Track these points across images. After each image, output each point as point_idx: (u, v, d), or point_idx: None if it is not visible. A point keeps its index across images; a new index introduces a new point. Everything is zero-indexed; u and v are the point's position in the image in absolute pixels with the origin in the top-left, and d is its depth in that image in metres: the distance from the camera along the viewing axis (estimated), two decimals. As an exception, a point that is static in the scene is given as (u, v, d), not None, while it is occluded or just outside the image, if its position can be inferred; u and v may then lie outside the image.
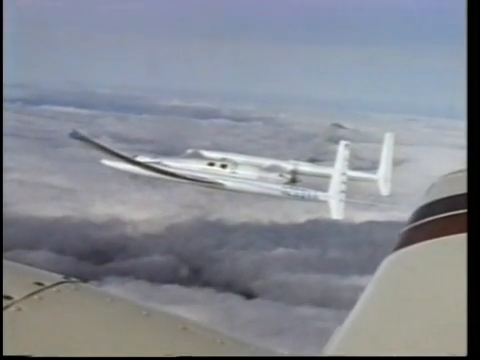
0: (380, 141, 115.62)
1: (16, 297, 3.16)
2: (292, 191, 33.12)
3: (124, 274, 43.95)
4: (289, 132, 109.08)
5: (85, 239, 50.66)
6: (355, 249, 49.86)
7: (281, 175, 33.85)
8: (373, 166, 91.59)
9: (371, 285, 5.18)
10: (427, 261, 5.45)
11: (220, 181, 33.40)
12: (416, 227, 6.26)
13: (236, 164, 34.08)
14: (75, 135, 34.16)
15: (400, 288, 5.02)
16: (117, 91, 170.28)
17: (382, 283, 5.26)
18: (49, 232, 50.82)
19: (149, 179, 65.54)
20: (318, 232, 54.39)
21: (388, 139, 35.11)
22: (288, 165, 34.98)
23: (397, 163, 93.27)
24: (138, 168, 34.64)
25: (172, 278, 44.82)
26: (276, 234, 54.43)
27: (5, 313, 3.03)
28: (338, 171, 32.45)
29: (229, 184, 33.53)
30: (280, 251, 50.06)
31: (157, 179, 64.78)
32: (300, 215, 59.07)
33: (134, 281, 42.73)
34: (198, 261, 48.84)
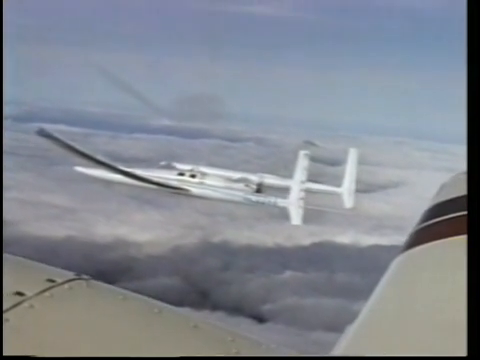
0: (374, 163, 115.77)
1: (28, 293, 3.17)
2: (253, 197, 34.68)
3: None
4: (282, 153, 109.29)
5: (90, 259, 50.10)
6: (363, 273, 49.58)
7: (247, 185, 35.15)
8: (369, 188, 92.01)
9: (381, 286, 5.20)
10: (436, 261, 5.44)
11: (186, 187, 34.80)
12: (425, 227, 6.27)
13: (205, 174, 35.31)
14: (42, 133, 34.61)
15: (409, 288, 5.00)
16: (106, 110, 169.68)
17: (391, 283, 5.27)
18: (53, 252, 50.23)
19: (149, 199, 65.47)
20: (324, 255, 54.22)
21: (352, 154, 36.47)
22: (255, 178, 35.84)
23: (393, 186, 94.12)
24: (110, 174, 35.28)
25: (181, 300, 44.29)
26: (282, 257, 54.17)
27: (17, 310, 3.05)
28: (297, 179, 33.82)
29: (195, 190, 34.94)
30: (288, 274, 49.76)
31: (156, 199, 64.66)
32: (304, 238, 58.90)
33: (144, 303, 42.23)
34: (205, 283, 48.45)
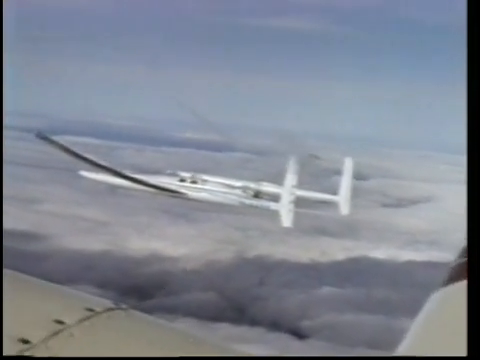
0: (402, 178, 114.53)
1: (68, 322, 3.13)
2: (247, 201, 36.27)
3: (170, 311, 43.15)
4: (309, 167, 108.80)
5: (125, 274, 49.95)
6: (400, 289, 49.12)
7: (245, 191, 36.50)
8: (399, 203, 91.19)
9: (417, 322, 4.73)
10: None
11: (183, 191, 36.24)
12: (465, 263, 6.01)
13: (205, 181, 36.68)
14: (40, 135, 35.97)
15: (446, 326, 4.54)
16: (131, 122, 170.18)
17: (428, 320, 4.79)
18: (89, 266, 50.18)
19: (180, 213, 65.26)
20: (360, 270, 53.80)
21: (347, 163, 38.15)
22: (254, 185, 37.60)
23: (423, 201, 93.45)
24: (114, 178, 36.89)
25: (219, 316, 44.06)
26: (317, 272, 53.78)
27: (58, 338, 3.05)
28: (288, 184, 35.23)
29: (192, 194, 36.32)
30: (325, 290, 49.36)
31: (187, 214, 64.47)
32: (338, 252, 58.57)
33: (182, 318, 41.91)
34: (241, 299, 48.16)
